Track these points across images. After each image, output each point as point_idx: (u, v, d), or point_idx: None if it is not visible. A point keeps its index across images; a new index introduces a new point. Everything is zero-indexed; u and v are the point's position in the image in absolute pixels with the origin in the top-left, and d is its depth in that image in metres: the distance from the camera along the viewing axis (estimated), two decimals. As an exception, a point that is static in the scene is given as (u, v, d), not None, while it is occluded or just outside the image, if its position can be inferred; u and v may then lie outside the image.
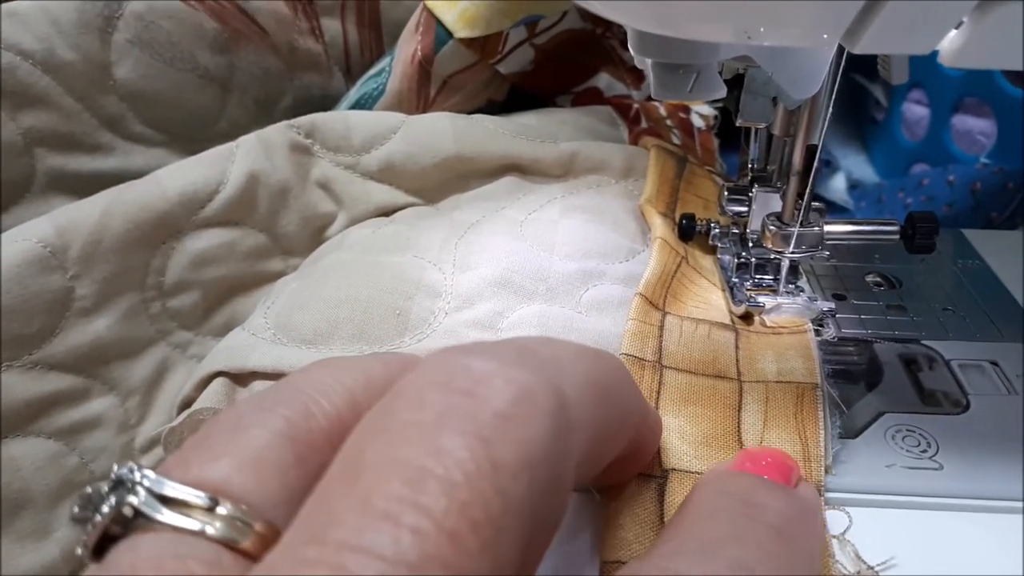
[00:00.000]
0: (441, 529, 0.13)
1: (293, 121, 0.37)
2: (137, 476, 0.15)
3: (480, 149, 0.38)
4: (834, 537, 0.23)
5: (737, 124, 0.31)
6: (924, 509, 0.24)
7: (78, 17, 0.36)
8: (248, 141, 0.36)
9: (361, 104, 0.42)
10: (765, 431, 0.25)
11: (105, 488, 0.16)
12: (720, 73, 0.27)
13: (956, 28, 0.20)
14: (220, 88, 0.41)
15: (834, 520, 0.23)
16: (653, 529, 0.23)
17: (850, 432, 0.27)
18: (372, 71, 0.42)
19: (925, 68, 0.53)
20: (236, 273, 0.36)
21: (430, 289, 0.31)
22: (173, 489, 0.15)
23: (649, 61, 0.26)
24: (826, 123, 0.29)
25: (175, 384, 0.34)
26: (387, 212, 0.38)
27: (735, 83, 0.29)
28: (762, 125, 0.31)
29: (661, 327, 0.30)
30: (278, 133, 0.36)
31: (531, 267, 0.32)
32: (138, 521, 0.15)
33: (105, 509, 0.15)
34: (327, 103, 0.44)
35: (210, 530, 0.15)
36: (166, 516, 0.15)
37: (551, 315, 0.30)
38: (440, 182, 0.38)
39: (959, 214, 0.48)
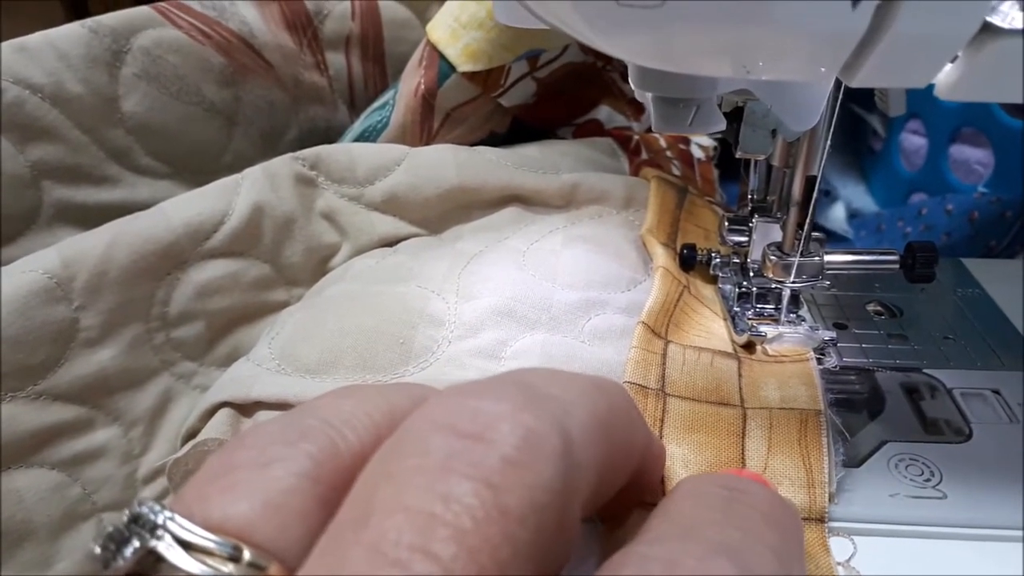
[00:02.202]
0: (448, 572, 0.13)
1: (298, 153, 0.38)
2: (160, 519, 0.15)
3: (482, 180, 0.38)
4: (839, 564, 0.23)
5: (737, 156, 0.32)
6: (928, 538, 0.24)
7: (86, 52, 0.37)
8: (253, 173, 0.36)
9: (365, 137, 0.42)
10: (769, 457, 0.25)
11: (124, 521, 0.16)
12: (719, 106, 0.27)
13: (952, 62, 0.20)
14: (226, 121, 0.41)
15: (838, 548, 0.23)
16: None
17: (853, 461, 0.27)
18: (376, 104, 0.43)
19: (922, 99, 0.54)
20: (240, 304, 0.36)
21: (433, 318, 0.31)
22: (197, 536, 0.15)
23: (649, 95, 0.26)
24: (825, 154, 0.29)
25: (179, 415, 0.34)
26: (391, 243, 0.38)
27: (734, 116, 0.30)
28: (762, 157, 0.31)
29: (664, 355, 0.30)
30: (283, 165, 0.37)
31: (534, 297, 0.32)
32: (160, 565, 0.15)
33: (128, 552, 0.15)
34: (332, 136, 0.45)
35: None
36: (190, 565, 0.15)
37: (554, 344, 0.30)
38: (443, 213, 0.39)
39: (957, 243, 0.48)
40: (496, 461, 0.14)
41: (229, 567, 0.15)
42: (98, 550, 0.16)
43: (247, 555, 0.15)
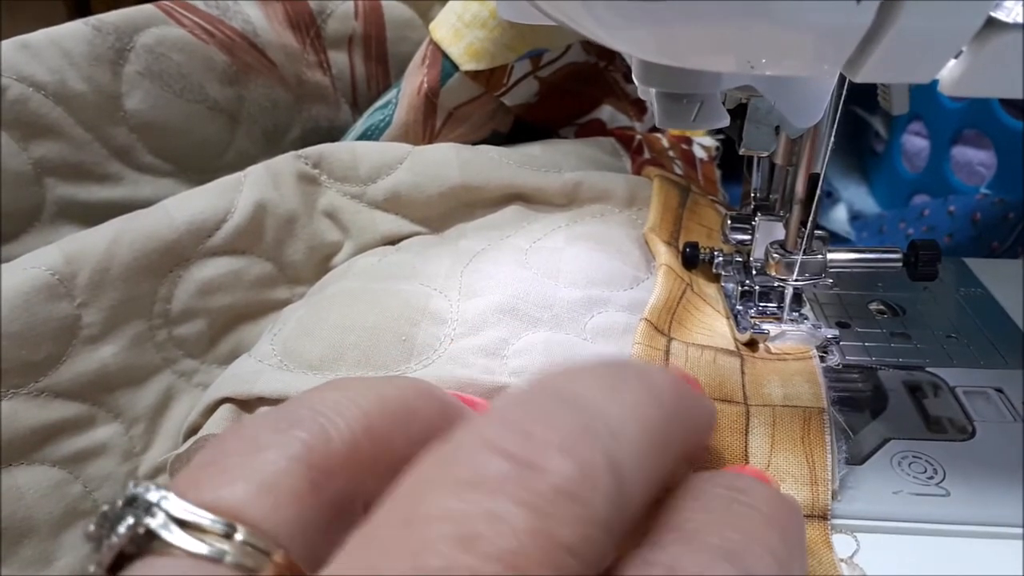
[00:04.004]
0: None
1: (301, 151, 0.38)
2: (154, 497, 0.15)
3: (485, 179, 0.38)
4: (842, 560, 0.23)
5: (740, 153, 0.32)
6: (931, 535, 0.24)
7: (89, 50, 0.37)
8: (256, 171, 0.36)
9: (367, 135, 0.42)
10: (772, 455, 0.25)
11: (119, 504, 0.16)
12: (723, 103, 0.27)
13: (956, 57, 0.20)
14: (229, 119, 0.41)
15: (841, 544, 0.23)
16: None
17: (856, 458, 0.27)
18: (379, 103, 0.43)
19: (925, 100, 0.54)
20: (242, 302, 0.36)
21: (436, 316, 0.31)
22: (191, 513, 0.15)
23: (653, 91, 0.26)
24: (828, 151, 0.29)
25: (180, 412, 0.34)
26: (393, 241, 0.38)
27: (738, 112, 0.30)
28: (765, 153, 0.31)
29: (667, 352, 0.30)
30: (286, 163, 0.37)
31: (536, 295, 0.32)
32: (154, 543, 0.15)
33: (122, 529, 0.15)
34: (334, 134, 0.45)
35: (228, 558, 0.15)
36: (184, 541, 0.15)
37: (556, 342, 0.30)
38: (445, 211, 0.39)
39: (960, 244, 0.48)
40: (548, 489, 0.14)
41: (224, 544, 0.15)
42: (92, 528, 0.16)
43: (243, 534, 0.15)
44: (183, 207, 0.34)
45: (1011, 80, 0.20)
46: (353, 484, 0.17)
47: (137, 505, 0.15)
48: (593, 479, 0.15)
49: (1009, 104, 0.49)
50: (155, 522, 0.15)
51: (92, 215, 0.37)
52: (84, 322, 0.32)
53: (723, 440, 0.26)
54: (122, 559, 0.15)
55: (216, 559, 0.15)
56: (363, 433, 0.17)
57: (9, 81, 0.35)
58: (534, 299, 0.32)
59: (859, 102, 0.60)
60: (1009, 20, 0.19)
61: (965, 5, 0.18)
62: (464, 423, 0.16)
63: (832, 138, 0.28)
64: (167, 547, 0.15)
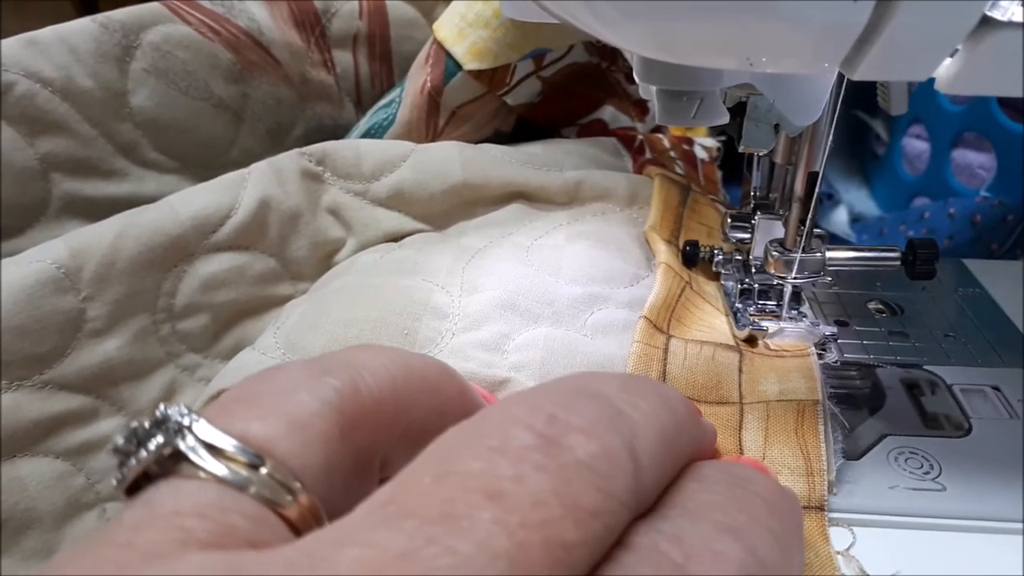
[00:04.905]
0: (512, 536, 0.13)
1: (305, 149, 0.38)
2: (186, 420, 0.15)
3: (487, 177, 0.38)
4: (838, 553, 0.23)
5: (740, 150, 0.32)
6: (927, 529, 0.24)
7: (96, 46, 0.37)
8: (260, 168, 0.36)
9: (371, 134, 0.42)
10: (767, 447, 0.25)
11: (147, 424, 0.16)
12: (723, 101, 0.27)
13: (951, 56, 0.20)
14: (233, 117, 0.41)
15: (838, 537, 0.24)
16: None
17: (853, 454, 0.27)
18: (382, 102, 0.43)
19: (925, 103, 0.54)
20: (245, 297, 0.36)
21: (438, 311, 0.32)
22: (221, 439, 0.15)
23: (654, 88, 0.27)
24: (827, 150, 0.29)
25: (183, 406, 0.34)
26: (395, 238, 0.39)
27: (738, 110, 0.30)
28: (764, 151, 0.32)
29: (666, 350, 0.30)
30: (290, 160, 0.37)
31: (537, 291, 0.32)
32: (181, 465, 0.15)
33: (151, 447, 0.15)
34: (338, 133, 0.45)
35: (253, 488, 0.15)
36: (213, 466, 0.15)
37: (557, 338, 0.31)
38: (448, 209, 0.39)
39: (960, 246, 0.48)
40: (572, 462, 0.15)
41: (251, 474, 0.15)
42: (120, 441, 0.16)
43: (270, 468, 0.15)
44: (188, 203, 0.34)
45: (1006, 78, 0.20)
46: (374, 441, 0.18)
47: (167, 426, 0.15)
48: (614, 460, 0.15)
49: (1009, 107, 0.49)
50: (184, 444, 0.15)
51: (97, 211, 0.37)
52: (88, 316, 0.32)
53: (718, 438, 0.26)
54: (142, 480, 0.15)
55: (241, 487, 0.15)
56: (389, 394, 0.18)
57: (16, 77, 0.35)
58: (535, 295, 0.32)
59: (860, 105, 0.60)
60: (1004, 19, 0.19)
61: (960, 4, 0.18)
62: (490, 405, 0.16)
63: (831, 136, 0.29)
64: (193, 470, 0.15)
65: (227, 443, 0.15)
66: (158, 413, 0.16)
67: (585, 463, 0.15)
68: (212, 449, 0.15)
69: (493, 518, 0.13)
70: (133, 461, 0.15)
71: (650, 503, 0.17)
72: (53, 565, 0.13)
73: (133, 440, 0.16)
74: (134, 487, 0.15)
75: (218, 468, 0.15)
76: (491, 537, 0.13)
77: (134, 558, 0.13)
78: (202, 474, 0.15)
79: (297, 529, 0.15)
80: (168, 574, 0.13)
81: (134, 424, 0.16)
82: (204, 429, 0.15)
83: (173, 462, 0.15)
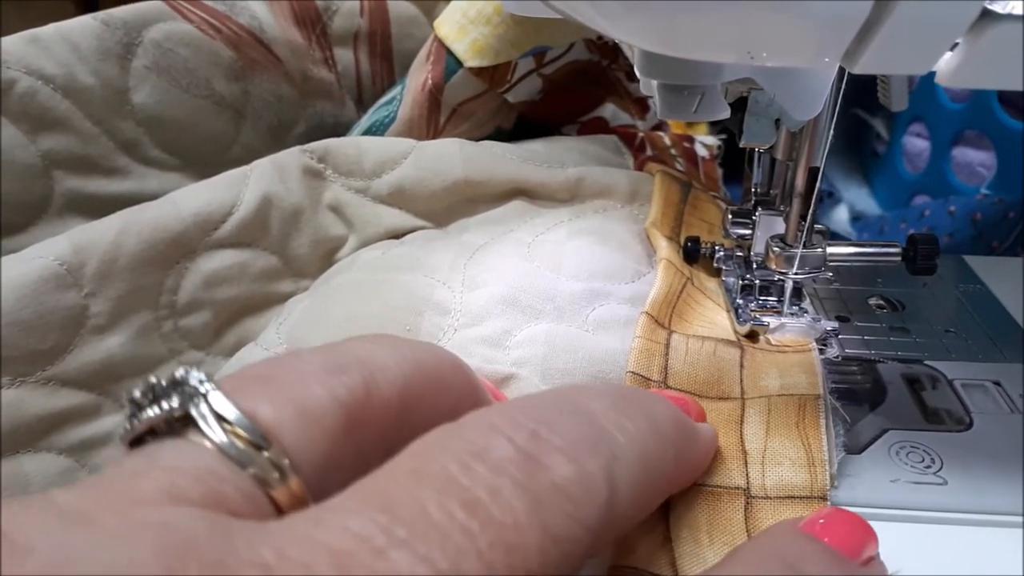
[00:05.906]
0: (481, 556, 0.13)
1: (306, 146, 0.38)
2: (203, 388, 0.16)
3: (488, 174, 0.38)
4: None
5: (741, 145, 0.32)
6: (928, 523, 0.24)
7: (98, 44, 0.37)
8: (262, 165, 0.36)
9: (372, 131, 0.43)
10: (768, 440, 0.26)
11: (164, 383, 0.16)
12: (724, 96, 0.28)
13: (952, 49, 0.20)
14: (235, 114, 0.42)
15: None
16: (656, 536, 0.23)
17: (855, 448, 0.27)
18: (383, 99, 0.43)
19: (925, 102, 0.54)
20: (247, 294, 0.36)
21: (439, 306, 0.32)
22: (233, 413, 0.15)
23: (655, 83, 0.27)
24: (828, 145, 0.29)
25: (185, 403, 0.34)
26: (397, 235, 0.39)
27: (738, 105, 0.30)
28: (765, 146, 0.32)
29: (667, 345, 0.30)
30: (291, 157, 0.37)
31: (538, 287, 0.33)
32: (188, 430, 0.15)
33: (165, 406, 0.16)
34: (339, 130, 0.45)
35: (251, 468, 0.15)
36: (219, 437, 0.15)
37: (558, 334, 0.31)
38: (449, 206, 0.39)
39: (960, 244, 0.48)
40: (547, 484, 0.15)
41: (252, 452, 0.15)
42: (137, 393, 0.16)
43: (271, 451, 0.15)
44: (190, 199, 0.34)
45: (1007, 71, 0.20)
46: (374, 441, 0.18)
47: (184, 389, 0.16)
48: (589, 487, 0.16)
49: (1009, 104, 0.49)
50: (196, 411, 0.15)
51: (99, 208, 0.37)
52: (91, 312, 0.32)
53: (719, 433, 0.26)
54: (147, 435, 0.16)
55: (242, 464, 0.15)
56: (397, 396, 0.18)
57: (18, 74, 0.35)
58: (536, 291, 0.32)
59: (860, 103, 0.60)
60: (1004, 12, 0.19)
61: (961, -3, 0.18)
62: (474, 412, 0.17)
63: (831, 131, 0.29)
64: (199, 437, 0.15)
65: (237, 419, 0.15)
66: (178, 374, 0.16)
67: (560, 487, 0.15)
68: (221, 420, 0.15)
69: (465, 531, 0.14)
70: (145, 414, 0.16)
71: (624, 528, 0.18)
72: (49, 495, 0.14)
73: (149, 395, 0.16)
74: (137, 440, 0.16)
75: (223, 440, 0.15)
76: (461, 555, 0.13)
77: (124, 502, 0.14)
78: (207, 443, 0.15)
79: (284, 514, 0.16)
80: (152, 519, 0.13)
81: (152, 380, 0.16)
82: (219, 400, 0.16)
83: (182, 425, 0.16)
